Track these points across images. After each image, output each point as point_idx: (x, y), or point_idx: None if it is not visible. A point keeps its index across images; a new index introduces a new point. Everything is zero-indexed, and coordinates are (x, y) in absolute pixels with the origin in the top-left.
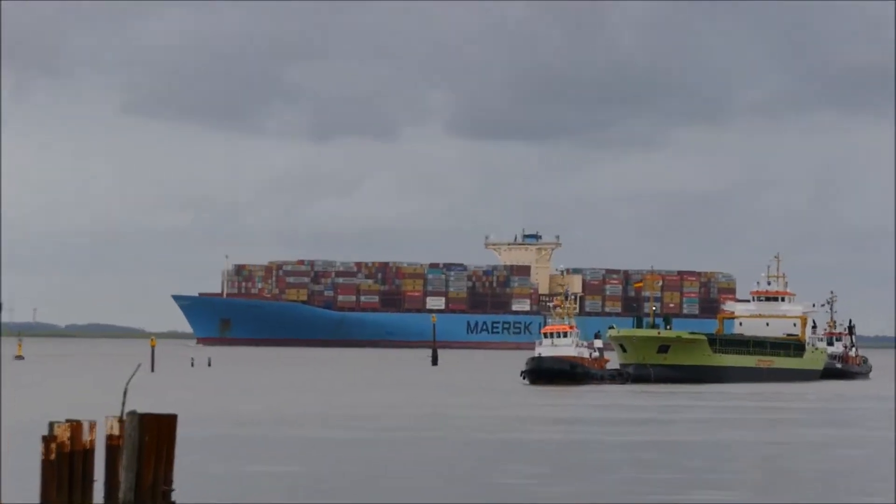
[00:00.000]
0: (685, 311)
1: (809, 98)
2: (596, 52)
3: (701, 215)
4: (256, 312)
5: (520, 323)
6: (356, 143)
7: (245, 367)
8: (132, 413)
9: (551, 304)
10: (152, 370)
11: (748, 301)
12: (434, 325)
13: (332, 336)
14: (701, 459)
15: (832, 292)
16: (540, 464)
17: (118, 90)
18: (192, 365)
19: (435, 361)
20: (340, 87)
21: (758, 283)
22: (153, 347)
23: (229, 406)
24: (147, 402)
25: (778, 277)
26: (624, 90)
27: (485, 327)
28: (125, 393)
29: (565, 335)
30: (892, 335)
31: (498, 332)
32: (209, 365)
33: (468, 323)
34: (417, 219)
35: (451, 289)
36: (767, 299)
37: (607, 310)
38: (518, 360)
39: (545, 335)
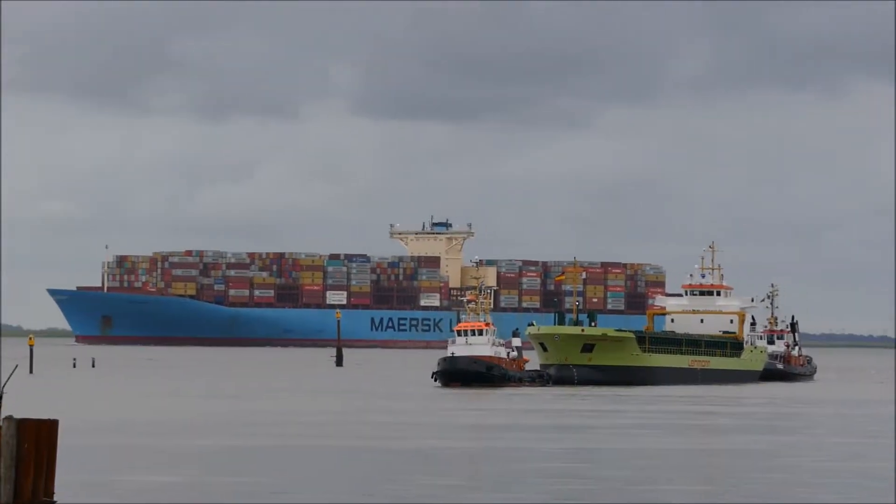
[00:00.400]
0: (610, 307)
1: (747, 74)
2: (516, 24)
3: (627, 202)
4: (140, 308)
5: (429, 319)
6: (250, 122)
7: (132, 369)
8: (9, 418)
9: (465, 299)
10: (31, 372)
11: (680, 295)
12: (339, 321)
13: (223, 334)
14: (627, 469)
15: (773, 285)
16: (451, 474)
17: None
18: (75, 366)
19: (340, 362)
20: (233, 61)
21: (691, 275)
22: (31, 347)
23: (115, 411)
24: (25, 407)
25: (713, 269)
26: (545, 65)
27: (390, 324)
28: (1, 396)
29: (481, 333)
30: (840, 333)
31: (405, 330)
32: (93, 366)
33: (372, 319)
34: (316, 205)
35: (354, 282)
36: (701, 293)
37: (524, 305)
38: (430, 360)
39: (459, 333)
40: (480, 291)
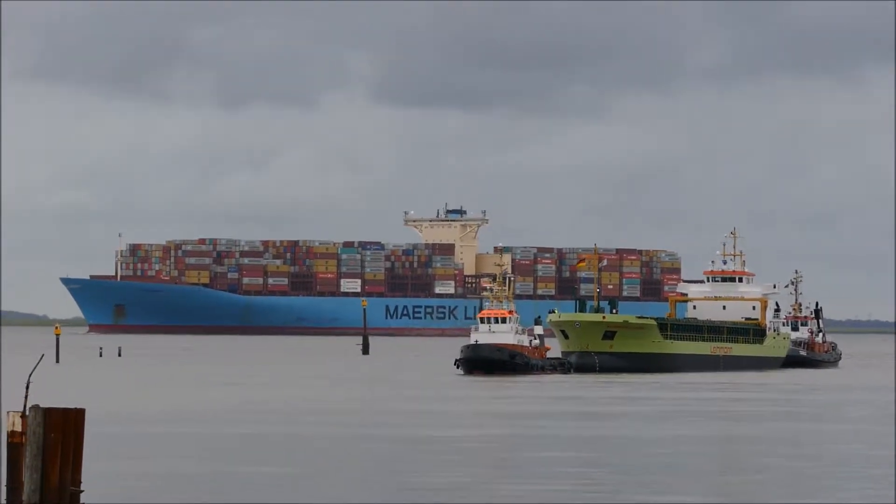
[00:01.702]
0: (625, 294)
1: (763, 63)
2: (531, 13)
3: (642, 189)
4: (153, 297)
5: (443, 307)
6: (265, 111)
7: (157, 358)
8: (36, 407)
9: (489, 286)
10: (57, 361)
11: (702, 282)
12: (365, 310)
13: (237, 322)
14: (651, 457)
15: (797, 272)
16: (475, 464)
17: (5, 54)
18: (101, 355)
19: (366, 350)
20: (249, 50)
21: (712, 262)
22: (58, 336)
23: (142, 400)
24: (52, 396)
25: (735, 256)
26: (561, 54)
27: (405, 312)
28: (28, 385)
29: (504, 321)
30: (866, 320)
31: (420, 317)
32: (119, 355)
33: (387, 307)
34: (332, 193)
35: (368, 270)
36: (724, 280)
37: (539, 292)
38: (448, 347)
39: (482, 320)
40: (505, 280)
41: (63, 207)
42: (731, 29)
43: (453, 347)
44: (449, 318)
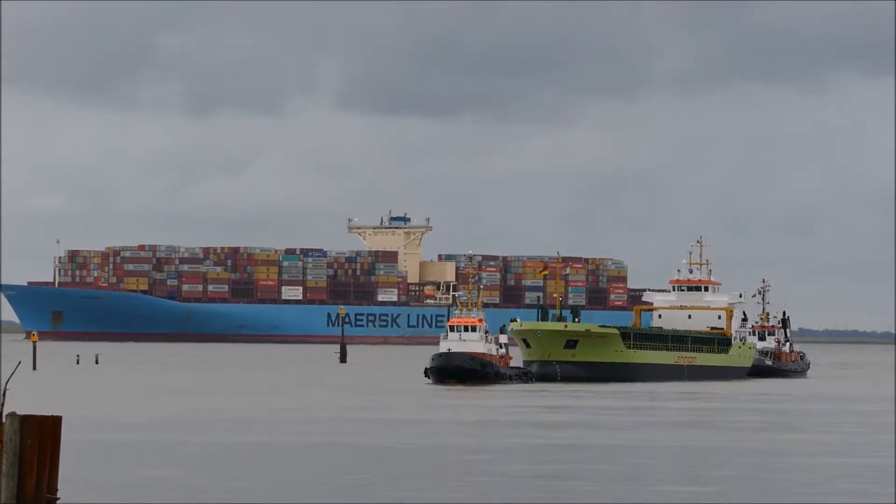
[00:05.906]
0: (571, 302)
1: (733, 68)
2: (499, 18)
3: (609, 197)
4: (92, 304)
5: (386, 315)
6: (235, 117)
7: (135, 366)
8: (12, 415)
9: (457, 294)
10: (34, 368)
11: (667, 291)
12: (340, 317)
13: (177, 330)
14: (610, 467)
15: (764, 280)
16: (444, 472)
17: None
18: (78, 362)
19: (343, 358)
20: (219, 55)
21: (678, 270)
22: (35, 343)
23: (120, 407)
24: (29, 403)
25: (701, 265)
26: (528, 59)
27: (347, 319)
28: (4, 393)
29: (474, 329)
30: (844, 329)
31: (362, 325)
32: (96, 363)
33: (329, 315)
34: (283, 200)
35: (310, 277)
36: (689, 289)
37: (484, 300)
38: (398, 355)
39: (451, 328)
40: (449, 288)
41: (30, 212)
42: (697, 35)
43: (407, 355)
44: (392, 326)
